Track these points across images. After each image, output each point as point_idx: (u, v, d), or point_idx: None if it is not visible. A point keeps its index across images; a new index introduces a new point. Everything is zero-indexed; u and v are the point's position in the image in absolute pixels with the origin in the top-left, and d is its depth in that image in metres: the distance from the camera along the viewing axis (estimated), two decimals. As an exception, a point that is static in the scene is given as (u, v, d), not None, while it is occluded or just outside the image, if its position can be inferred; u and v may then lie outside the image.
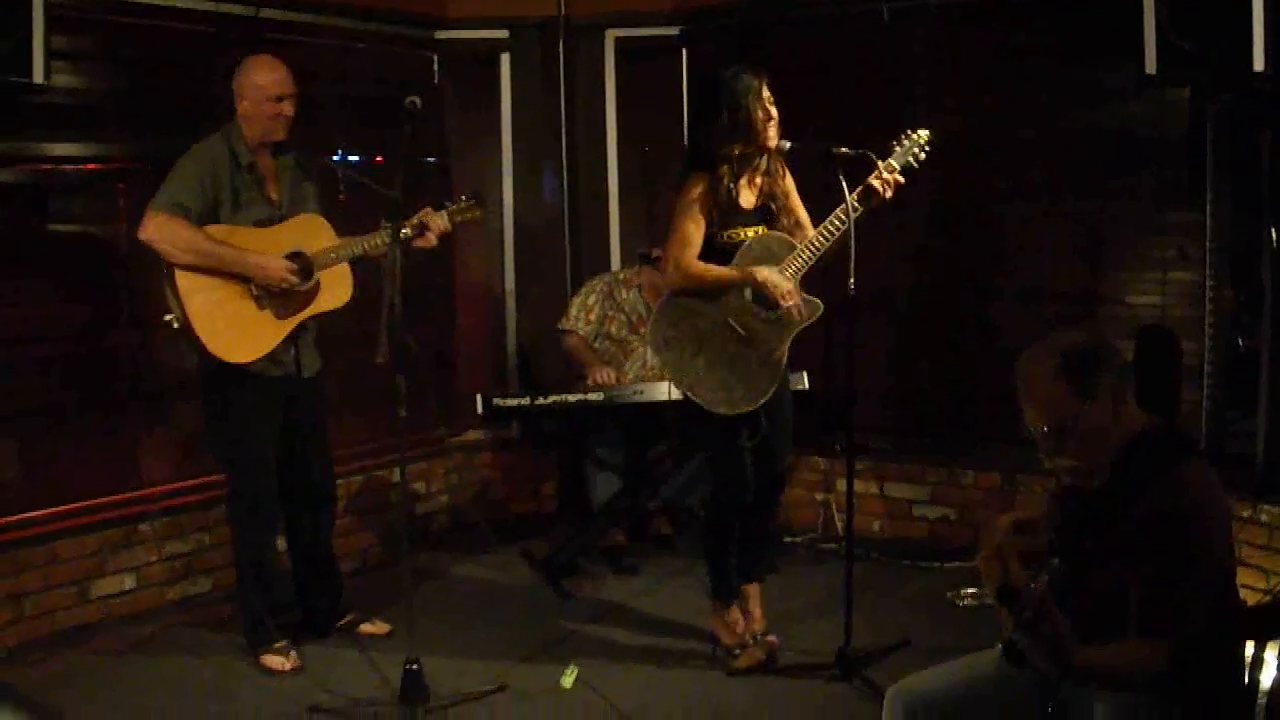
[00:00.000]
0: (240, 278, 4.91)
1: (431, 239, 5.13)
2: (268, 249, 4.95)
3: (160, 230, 4.80)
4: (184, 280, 4.85)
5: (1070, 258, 6.46)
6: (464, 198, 5.24)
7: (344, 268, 5.10)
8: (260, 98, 4.98)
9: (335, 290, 5.10)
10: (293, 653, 5.15)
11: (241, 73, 5.02)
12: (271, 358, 5.04)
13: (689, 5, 7.37)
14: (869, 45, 6.81)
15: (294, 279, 4.95)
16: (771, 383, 4.93)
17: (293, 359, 5.14)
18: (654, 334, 5.07)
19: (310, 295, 5.05)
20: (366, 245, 5.07)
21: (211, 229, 4.88)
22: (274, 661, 5.12)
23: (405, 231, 4.95)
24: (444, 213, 5.16)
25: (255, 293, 4.95)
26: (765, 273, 4.85)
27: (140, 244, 4.84)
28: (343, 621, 5.52)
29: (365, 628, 5.50)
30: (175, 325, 4.88)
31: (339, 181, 5.28)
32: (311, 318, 5.10)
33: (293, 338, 5.09)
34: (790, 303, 4.82)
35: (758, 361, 4.93)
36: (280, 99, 4.99)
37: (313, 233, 5.07)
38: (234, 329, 4.92)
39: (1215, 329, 5.69)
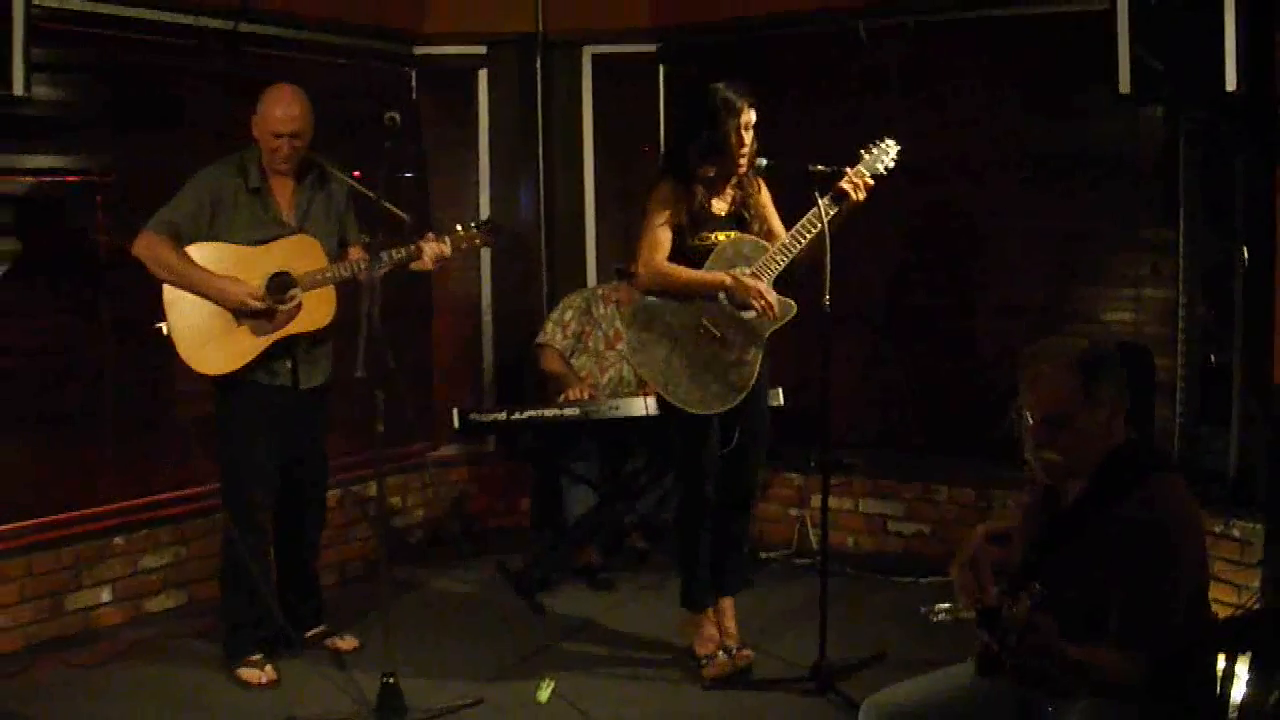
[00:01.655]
0: None
1: (427, 263, 5.17)
2: (253, 268, 5.01)
3: (147, 248, 4.98)
4: (168, 293, 5.01)
5: (1044, 274, 6.50)
6: (474, 225, 5.29)
7: (329, 290, 5.13)
8: (264, 129, 5.04)
9: (316, 311, 5.12)
10: (269, 666, 5.14)
11: (261, 96, 5.06)
12: (265, 369, 5.12)
13: (667, 22, 7.38)
14: (846, 63, 6.84)
15: (254, 303, 4.99)
16: (747, 381, 4.95)
17: (289, 371, 5.18)
18: (629, 337, 5.10)
19: (290, 314, 5.09)
20: (355, 269, 5.09)
21: (200, 246, 4.99)
22: (250, 675, 5.11)
23: (398, 254, 5.05)
24: (446, 238, 5.20)
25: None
26: (736, 275, 4.88)
27: (119, 257, 5.01)
28: (312, 633, 5.51)
29: (334, 642, 5.48)
30: (165, 333, 5.01)
31: (353, 199, 5.31)
32: (294, 335, 5.12)
33: (288, 351, 5.14)
34: (762, 303, 4.85)
35: (733, 361, 4.95)
36: (278, 136, 5.02)
37: (303, 253, 5.09)
38: (209, 342, 5.02)
39: (1187, 345, 5.74)
